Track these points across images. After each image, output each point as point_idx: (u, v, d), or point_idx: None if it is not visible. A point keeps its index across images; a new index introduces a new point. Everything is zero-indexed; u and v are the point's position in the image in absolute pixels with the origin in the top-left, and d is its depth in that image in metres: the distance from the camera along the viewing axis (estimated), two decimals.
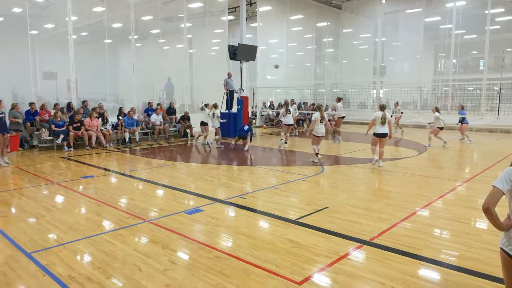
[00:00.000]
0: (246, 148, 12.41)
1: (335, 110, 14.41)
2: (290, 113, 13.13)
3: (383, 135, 9.06)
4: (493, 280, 3.54)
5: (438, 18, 22.05)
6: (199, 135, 13.86)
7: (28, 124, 12.16)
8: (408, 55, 23.52)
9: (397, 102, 18.27)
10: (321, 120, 9.75)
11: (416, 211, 5.77)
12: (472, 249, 4.31)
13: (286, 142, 13.25)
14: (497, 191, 2.37)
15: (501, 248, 2.50)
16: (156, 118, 14.57)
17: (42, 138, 12.09)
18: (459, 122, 14.49)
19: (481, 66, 21.42)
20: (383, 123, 8.98)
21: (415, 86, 20.48)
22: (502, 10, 20.38)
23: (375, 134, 9.16)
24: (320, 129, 9.81)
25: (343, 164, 9.74)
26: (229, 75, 16.77)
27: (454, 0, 20.63)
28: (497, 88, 18.56)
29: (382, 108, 9.17)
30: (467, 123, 14.39)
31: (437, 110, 13.11)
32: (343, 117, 14.55)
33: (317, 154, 9.76)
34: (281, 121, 13.62)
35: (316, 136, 9.83)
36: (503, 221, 2.45)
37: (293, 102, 21.09)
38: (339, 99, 14.45)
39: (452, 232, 4.92)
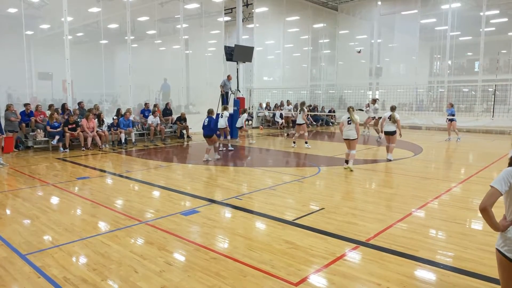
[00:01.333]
0: (216, 156, 10.52)
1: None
2: (300, 113, 12.93)
3: (390, 133, 10.15)
4: (488, 281, 3.56)
5: (434, 19, 22.20)
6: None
7: (23, 125, 12.09)
8: (404, 57, 23.65)
9: (374, 100, 16.39)
10: (348, 121, 8.86)
11: (412, 212, 5.79)
12: (467, 249, 4.33)
13: (294, 142, 13.25)
14: (494, 192, 2.37)
15: (497, 249, 2.50)
16: (154, 120, 14.53)
17: (37, 139, 12.02)
18: (448, 120, 14.64)
19: (476, 68, 21.57)
20: (393, 122, 10.10)
21: (411, 88, 20.60)
22: (497, 12, 20.55)
23: (385, 132, 10.31)
24: (347, 132, 8.92)
25: (339, 165, 9.75)
26: (229, 78, 16.73)
27: (449, 2, 20.77)
28: (492, 89, 18.69)
29: (392, 109, 10.32)
30: (455, 121, 14.65)
31: None
32: (373, 118, 15.26)
33: (346, 161, 9.06)
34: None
35: (344, 139, 9.07)
36: (499, 221, 2.45)
37: (289, 102, 21.09)
38: (374, 101, 15.16)
39: (447, 233, 4.94)
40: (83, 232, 4.89)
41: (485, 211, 2.36)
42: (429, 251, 4.29)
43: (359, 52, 17.38)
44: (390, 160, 10.17)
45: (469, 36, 21.64)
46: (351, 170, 8.78)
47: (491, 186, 2.40)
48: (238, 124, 14.15)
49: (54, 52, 14.34)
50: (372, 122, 15.63)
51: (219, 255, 4.19)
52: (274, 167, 10.00)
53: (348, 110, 9.02)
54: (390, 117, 10.06)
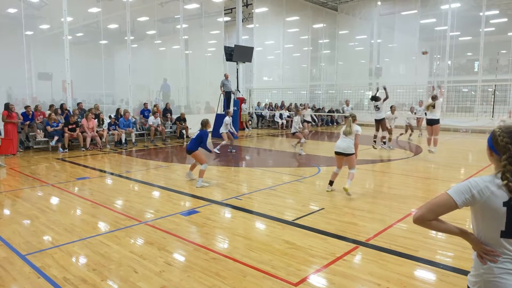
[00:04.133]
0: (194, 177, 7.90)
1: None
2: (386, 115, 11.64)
3: (434, 121, 9.87)
4: None
5: (433, 20, 22.22)
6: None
7: (26, 124, 12.06)
8: (404, 57, 23.67)
9: (421, 101, 16.96)
10: (344, 132, 6.84)
11: (411, 212, 5.79)
12: (467, 249, 4.32)
13: (386, 143, 12.15)
14: (448, 202, 1.82)
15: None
16: (154, 121, 14.53)
17: (37, 139, 12.02)
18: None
19: (475, 68, 21.58)
20: (434, 108, 9.87)
21: (411, 88, 20.61)
22: (497, 12, 20.56)
23: (428, 121, 10.08)
24: (341, 143, 6.84)
25: None
26: (226, 77, 16.77)
27: (449, 2, 20.78)
28: (491, 89, 18.70)
29: (434, 98, 10.03)
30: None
31: None
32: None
33: (330, 182, 7.09)
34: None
35: (336, 153, 6.94)
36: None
37: (348, 102, 19.61)
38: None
39: None
40: (83, 233, 4.89)
41: (424, 223, 1.81)
42: (429, 251, 4.29)
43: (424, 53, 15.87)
44: (432, 152, 10.08)
45: (469, 36, 21.65)
46: (348, 194, 6.71)
47: (446, 193, 1.81)
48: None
49: (53, 52, 14.34)
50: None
51: (219, 255, 4.18)
52: (274, 167, 10.00)
53: (347, 119, 7.02)
54: (429, 107, 9.89)
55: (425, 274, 3.80)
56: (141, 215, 5.63)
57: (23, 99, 13.43)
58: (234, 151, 12.00)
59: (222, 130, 11.88)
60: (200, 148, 7.75)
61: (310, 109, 14.79)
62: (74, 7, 14.11)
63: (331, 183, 7.10)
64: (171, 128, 15.78)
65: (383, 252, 4.24)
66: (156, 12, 17.21)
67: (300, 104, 19.62)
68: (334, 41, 26.89)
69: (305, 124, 14.19)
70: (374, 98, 11.78)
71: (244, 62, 18.50)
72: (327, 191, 7.05)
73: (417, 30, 22.26)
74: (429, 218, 1.83)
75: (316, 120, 21.95)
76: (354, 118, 6.92)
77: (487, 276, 1.80)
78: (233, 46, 17.80)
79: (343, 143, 6.79)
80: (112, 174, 8.97)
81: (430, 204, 1.84)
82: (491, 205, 1.76)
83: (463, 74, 22.87)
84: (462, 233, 1.89)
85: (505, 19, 20.76)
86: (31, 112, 12.14)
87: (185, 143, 14.58)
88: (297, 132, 11.73)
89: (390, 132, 12.43)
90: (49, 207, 6.20)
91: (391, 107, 13.10)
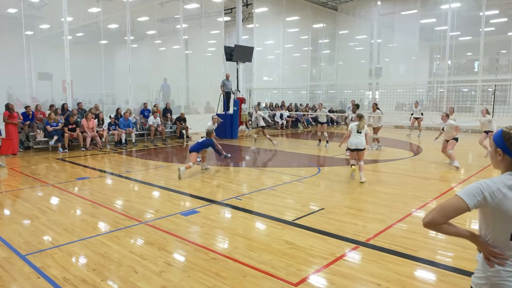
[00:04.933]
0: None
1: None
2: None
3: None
4: None
5: (433, 19, 22.22)
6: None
7: (26, 124, 12.06)
8: (404, 57, 23.67)
9: (417, 102, 17.61)
10: (358, 130, 7.84)
11: (411, 212, 5.79)
12: (467, 249, 4.32)
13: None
14: (460, 205, 1.80)
15: None
16: (154, 121, 14.54)
17: (36, 139, 12.02)
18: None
19: (475, 68, 21.57)
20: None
21: (411, 88, 20.60)
22: (497, 12, 20.56)
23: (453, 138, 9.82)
24: (356, 140, 7.86)
25: (339, 165, 9.75)
26: (227, 77, 16.76)
27: (449, 1, 20.77)
28: (491, 89, 18.69)
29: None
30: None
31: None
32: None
33: (352, 165, 7.97)
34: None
35: (350, 149, 8.03)
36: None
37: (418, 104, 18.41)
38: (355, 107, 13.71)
39: None
40: (83, 233, 4.89)
41: (436, 227, 1.77)
42: (429, 251, 4.29)
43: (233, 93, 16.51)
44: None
45: (469, 36, 21.65)
46: (363, 182, 7.68)
47: (458, 196, 1.78)
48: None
49: (53, 52, 14.35)
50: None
51: (218, 255, 4.19)
52: (273, 167, 9.99)
53: (360, 117, 8.02)
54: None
55: (425, 274, 3.80)
56: (141, 215, 5.63)
57: (23, 100, 13.42)
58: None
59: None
60: (193, 153, 8.69)
61: (324, 109, 14.41)
62: (74, 7, 14.11)
63: (351, 166, 8.02)
64: (171, 128, 15.78)
65: (383, 252, 4.25)
66: (156, 12, 17.21)
67: (256, 103, 19.58)
68: (334, 41, 26.88)
69: (324, 125, 13.75)
70: (357, 106, 11.67)
71: (244, 62, 18.49)
72: (352, 168, 7.94)
73: (417, 30, 22.25)
74: (440, 222, 1.77)
75: (334, 120, 21.97)
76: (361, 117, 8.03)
77: (494, 278, 1.80)
78: (233, 46, 17.79)
79: (356, 140, 7.86)
80: (112, 174, 8.97)
81: (441, 207, 1.78)
82: (503, 208, 1.74)
83: (463, 74, 22.86)
84: (472, 236, 1.86)
85: (505, 19, 20.75)
86: (31, 112, 12.14)
87: (185, 143, 14.59)
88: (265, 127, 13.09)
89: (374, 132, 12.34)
90: (49, 207, 6.20)
91: (372, 106, 12.85)
